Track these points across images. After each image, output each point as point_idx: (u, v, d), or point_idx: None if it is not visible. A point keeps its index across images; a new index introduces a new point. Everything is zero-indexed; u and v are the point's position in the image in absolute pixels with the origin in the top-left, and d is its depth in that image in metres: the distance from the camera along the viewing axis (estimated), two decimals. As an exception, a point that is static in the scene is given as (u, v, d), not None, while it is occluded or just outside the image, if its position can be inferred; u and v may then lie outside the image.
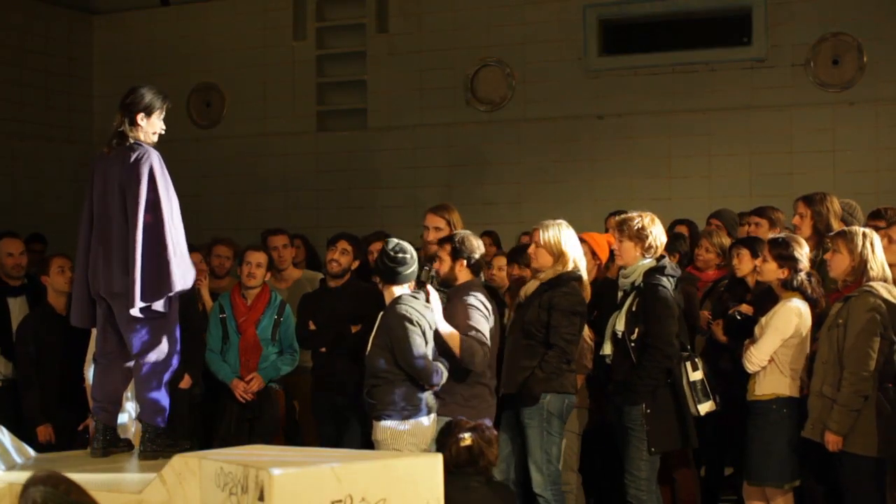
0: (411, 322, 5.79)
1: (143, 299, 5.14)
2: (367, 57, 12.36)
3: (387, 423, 5.80)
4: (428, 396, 5.92)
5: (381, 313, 5.98)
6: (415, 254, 6.05)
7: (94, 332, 6.30)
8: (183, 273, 5.23)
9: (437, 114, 12.01)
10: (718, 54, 11.04)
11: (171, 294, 5.20)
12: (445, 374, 5.97)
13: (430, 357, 5.88)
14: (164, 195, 5.19)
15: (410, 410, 5.81)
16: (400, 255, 5.94)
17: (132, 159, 5.22)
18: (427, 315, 5.90)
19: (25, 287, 7.82)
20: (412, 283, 6.05)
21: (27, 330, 7.30)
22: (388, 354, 5.82)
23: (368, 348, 5.97)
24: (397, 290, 5.94)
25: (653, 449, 6.04)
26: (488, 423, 5.23)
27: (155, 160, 5.23)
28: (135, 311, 5.15)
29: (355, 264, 7.42)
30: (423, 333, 5.84)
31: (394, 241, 6.04)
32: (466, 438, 4.98)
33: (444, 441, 5.07)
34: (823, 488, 6.52)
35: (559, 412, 6.17)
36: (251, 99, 12.76)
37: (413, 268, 5.99)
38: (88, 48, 13.31)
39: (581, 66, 11.48)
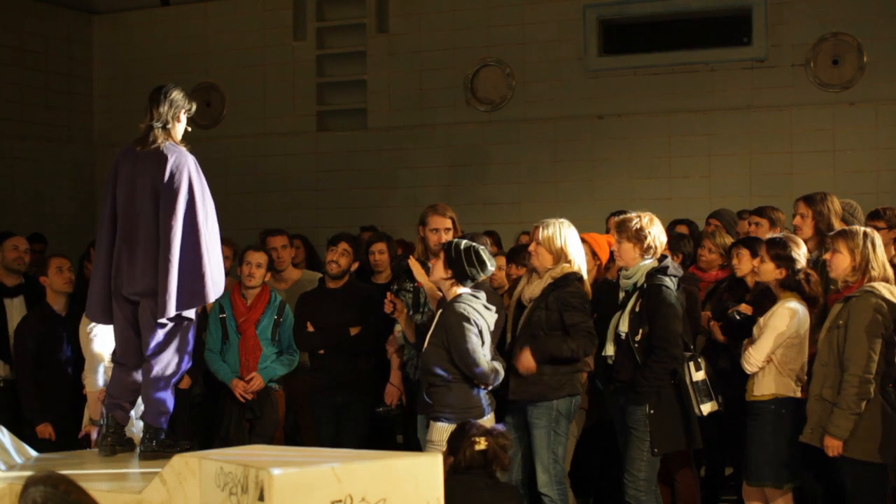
0: (468, 321, 5.78)
1: (177, 308, 5.15)
2: (367, 57, 12.36)
3: (443, 425, 5.79)
4: (485, 397, 5.93)
5: (440, 311, 5.97)
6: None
7: (83, 336, 6.33)
8: (215, 282, 5.24)
9: (437, 114, 12.01)
10: (718, 54, 11.04)
11: (207, 302, 5.22)
12: (502, 374, 5.97)
13: (488, 357, 5.89)
14: (200, 203, 5.19)
15: (467, 412, 5.79)
16: (490, 265, 5.92)
17: (170, 163, 5.20)
18: (485, 315, 5.89)
19: (23, 287, 7.82)
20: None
21: (26, 330, 7.31)
22: (445, 353, 5.82)
23: (425, 346, 5.95)
24: (459, 289, 5.91)
25: (656, 450, 6.02)
26: (501, 427, 5.24)
27: (192, 165, 5.24)
28: (163, 319, 5.16)
29: (355, 265, 7.41)
30: (480, 333, 5.83)
31: (475, 244, 5.96)
32: (481, 442, 4.99)
33: (457, 442, 5.08)
34: (823, 488, 6.52)
35: (567, 412, 6.17)
36: (251, 99, 12.76)
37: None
38: (88, 48, 13.31)
39: (581, 66, 11.47)
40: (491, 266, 5.97)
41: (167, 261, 5.12)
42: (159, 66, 12.62)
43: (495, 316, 6.01)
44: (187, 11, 13.05)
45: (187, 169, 5.20)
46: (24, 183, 12.25)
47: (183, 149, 5.29)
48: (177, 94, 5.37)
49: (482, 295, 5.97)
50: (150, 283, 5.18)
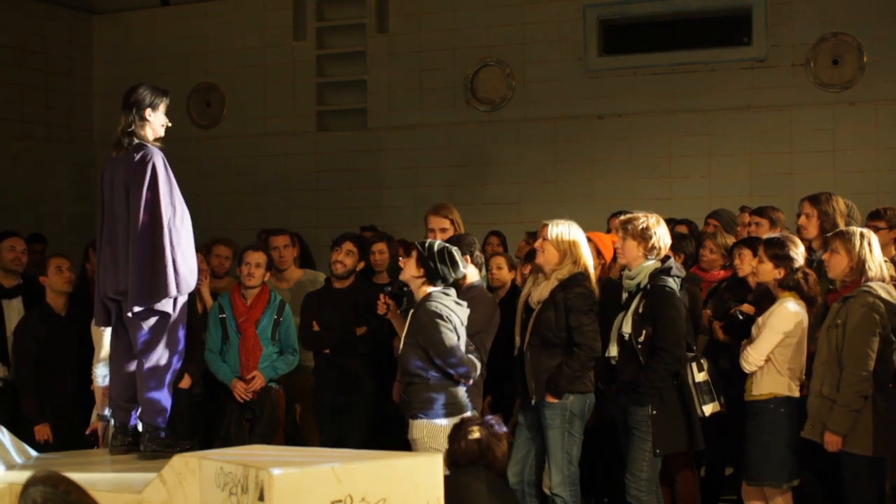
0: (441, 317, 5.80)
1: (138, 303, 5.16)
2: (367, 57, 12.37)
3: (423, 422, 5.81)
4: (465, 393, 5.95)
5: (412, 311, 5.99)
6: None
7: (94, 333, 6.34)
8: (184, 276, 5.25)
9: (438, 114, 12.01)
10: (718, 54, 11.04)
11: (168, 297, 5.21)
12: (479, 368, 6.00)
13: (463, 351, 5.91)
14: (164, 197, 5.21)
15: (447, 408, 5.82)
16: (462, 266, 5.96)
17: (136, 160, 5.25)
18: (457, 310, 5.91)
19: (21, 288, 7.82)
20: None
21: (26, 330, 7.30)
22: (421, 352, 5.83)
23: (401, 347, 5.97)
24: (429, 288, 5.93)
25: (657, 451, 6.02)
26: (495, 418, 5.26)
27: (158, 160, 5.26)
28: (130, 314, 5.18)
29: (360, 265, 7.42)
30: (455, 329, 5.85)
31: (449, 245, 5.99)
32: (475, 431, 5.01)
33: (454, 435, 5.10)
34: (823, 488, 6.52)
35: (581, 412, 6.17)
36: (251, 99, 12.76)
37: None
38: (88, 48, 13.31)
39: (581, 66, 11.48)
40: (462, 268, 6.00)
41: (134, 256, 5.16)
42: (159, 66, 12.62)
43: (467, 311, 6.01)
44: (187, 11, 13.05)
45: (152, 164, 5.22)
46: (24, 183, 12.24)
47: (151, 146, 5.30)
48: (140, 94, 5.37)
49: (452, 291, 5.98)
50: (128, 282, 5.21)
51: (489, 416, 5.28)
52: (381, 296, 6.57)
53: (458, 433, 5.06)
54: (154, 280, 5.17)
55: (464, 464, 4.96)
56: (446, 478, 4.97)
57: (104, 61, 13.33)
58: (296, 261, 8.46)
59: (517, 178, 11.65)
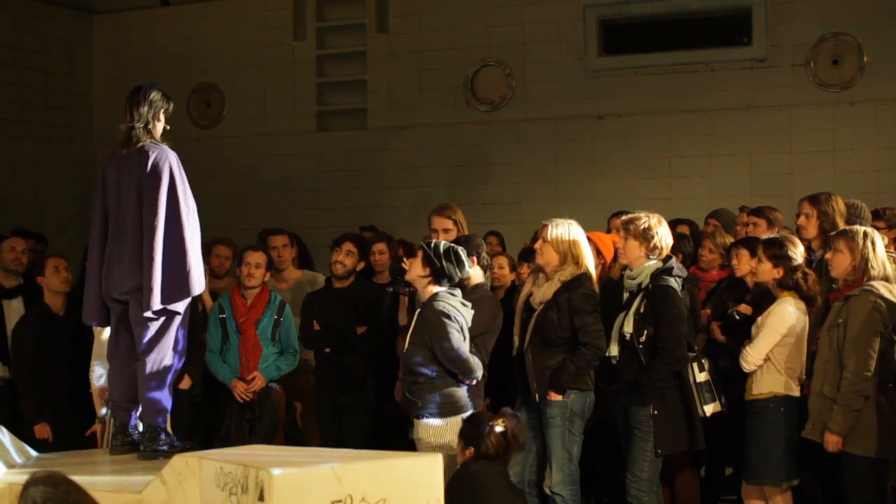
0: (449, 317, 5.81)
1: (162, 301, 5.17)
2: (367, 57, 12.36)
3: (428, 421, 5.82)
4: (465, 392, 5.95)
5: (417, 311, 5.99)
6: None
7: (96, 333, 6.34)
8: (198, 276, 5.27)
9: (438, 114, 12.00)
10: (718, 54, 11.04)
11: (189, 296, 5.25)
12: (481, 369, 6.01)
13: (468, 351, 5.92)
14: (182, 198, 5.23)
15: (450, 408, 5.83)
16: (468, 266, 5.98)
17: (152, 160, 5.24)
18: (463, 311, 5.92)
19: (21, 289, 7.82)
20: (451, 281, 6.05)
21: (24, 330, 7.31)
22: (427, 352, 5.83)
23: (406, 346, 5.97)
24: (435, 288, 5.93)
25: (659, 451, 6.03)
26: (510, 410, 5.29)
27: (174, 161, 5.28)
28: (148, 312, 5.18)
29: (360, 265, 7.42)
30: (461, 329, 5.86)
31: (454, 245, 6.01)
32: (500, 423, 5.02)
33: (475, 432, 5.10)
34: (823, 488, 6.52)
35: (581, 411, 6.17)
36: (251, 99, 12.76)
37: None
38: (88, 48, 13.31)
39: (581, 66, 11.47)
40: (468, 267, 6.01)
41: (151, 254, 5.17)
42: (159, 66, 12.61)
43: (471, 312, 6.02)
44: (187, 11, 13.05)
45: (168, 165, 5.24)
46: (24, 183, 12.24)
47: (164, 146, 5.33)
48: (156, 94, 5.42)
49: (458, 292, 5.99)
50: (137, 280, 5.22)
51: (504, 409, 5.31)
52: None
53: (478, 429, 5.07)
54: (177, 279, 5.19)
55: (493, 457, 4.99)
56: (462, 468, 5.01)
57: (104, 61, 13.32)
58: (294, 261, 8.46)
59: (517, 178, 11.64)
